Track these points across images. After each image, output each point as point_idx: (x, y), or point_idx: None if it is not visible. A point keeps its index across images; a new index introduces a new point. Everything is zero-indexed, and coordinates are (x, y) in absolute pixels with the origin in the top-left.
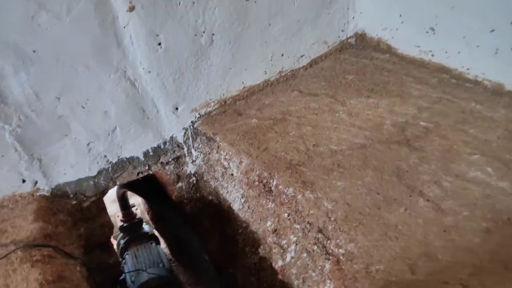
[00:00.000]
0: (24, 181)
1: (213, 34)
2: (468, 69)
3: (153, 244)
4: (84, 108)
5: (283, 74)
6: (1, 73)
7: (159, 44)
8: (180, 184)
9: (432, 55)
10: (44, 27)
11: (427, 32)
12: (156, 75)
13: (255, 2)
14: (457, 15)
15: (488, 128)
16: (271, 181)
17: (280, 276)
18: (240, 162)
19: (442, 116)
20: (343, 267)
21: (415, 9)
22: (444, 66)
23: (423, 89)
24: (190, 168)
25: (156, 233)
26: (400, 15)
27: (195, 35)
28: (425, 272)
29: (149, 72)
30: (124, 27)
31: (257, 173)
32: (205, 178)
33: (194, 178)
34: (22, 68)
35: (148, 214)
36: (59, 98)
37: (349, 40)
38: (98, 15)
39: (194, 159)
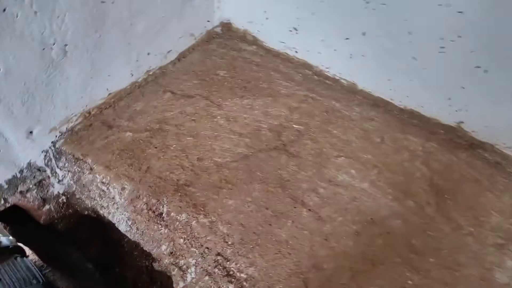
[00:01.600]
0: None
1: (65, 45)
2: (327, 68)
3: (18, 258)
4: None
5: (151, 73)
6: None
7: None
8: (47, 206)
9: (296, 52)
10: None
11: (290, 31)
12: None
13: (112, 3)
14: (317, 21)
15: (348, 128)
16: (161, 207)
17: None
18: (123, 189)
19: (309, 117)
20: None
21: (278, 9)
22: (307, 62)
23: (290, 86)
24: (57, 189)
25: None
26: (265, 11)
27: (43, 49)
28: (316, 284)
29: None
30: None
31: (144, 200)
32: (77, 196)
33: (63, 197)
34: None
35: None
36: None
37: (215, 29)
38: None
39: (60, 178)
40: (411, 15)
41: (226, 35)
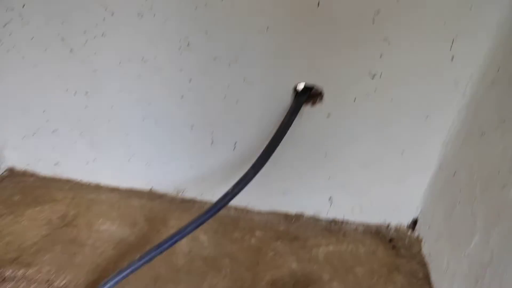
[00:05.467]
0: None
1: None
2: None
3: None
4: None
5: None
6: None
7: None
8: None
9: (61, 174)
10: None
11: None
12: None
13: None
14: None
15: None
16: (5, 272)
17: None
18: None
19: None
20: None
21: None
22: (71, 179)
23: (60, 194)
24: None
25: None
26: (56, 161)
27: None
28: None
29: None
30: None
31: None
32: None
33: None
34: None
35: None
36: None
37: (5, 173)
38: None
39: None
40: None
41: (12, 176)
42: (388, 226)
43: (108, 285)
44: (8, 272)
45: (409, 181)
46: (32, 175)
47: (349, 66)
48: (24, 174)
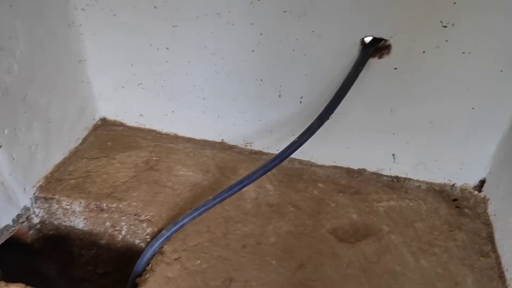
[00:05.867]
0: None
1: None
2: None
3: None
4: None
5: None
6: None
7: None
8: (31, 231)
9: (144, 125)
10: None
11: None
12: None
13: None
14: None
15: None
16: (102, 204)
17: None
18: (80, 203)
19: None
20: None
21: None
22: (153, 130)
23: (144, 142)
24: (36, 220)
25: None
26: (140, 113)
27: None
28: None
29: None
30: None
31: (92, 204)
32: (47, 222)
33: (39, 225)
34: None
35: None
36: None
37: (98, 122)
38: None
39: (37, 213)
40: None
41: (105, 124)
42: (453, 185)
43: (186, 219)
44: (104, 204)
45: (478, 139)
46: (121, 124)
47: (419, 15)
48: (114, 124)
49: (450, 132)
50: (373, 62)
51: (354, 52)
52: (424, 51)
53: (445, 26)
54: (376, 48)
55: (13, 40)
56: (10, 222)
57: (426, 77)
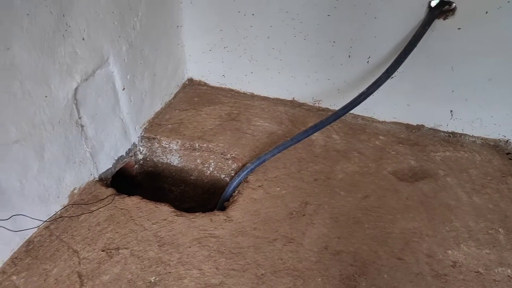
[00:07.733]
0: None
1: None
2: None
3: None
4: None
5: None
6: None
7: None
8: (136, 166)
9: (225, 85)
10: None
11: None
12: (130, 119)
13: None
14: None
15: None
16: (195, 144)
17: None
18: (177, 142)
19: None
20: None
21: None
22: (232, 89)
23: (225, 99)
24: (140, 156)
25: None
26: (223, 74)
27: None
28: None
29: (128, 113)
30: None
31: (187, 143)
32: (148, 159)
33: (142, 161)
34: None
35: None
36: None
37: (186, 82)
38: None
39: (141, 151)
40: None
41: (192, 84)
42: (507, 141)
43: (268, 155)
44: (197, 144)
45: None
46: (205, 84)
47: None
48: (199, 84)
49: (508, 89)
50: (438, 23)
51: (421, 15)
52: (486, 12)
53: None
54: (441, 10)
55: (137, 2)
56: (124, 154)
57: (487, 36)
